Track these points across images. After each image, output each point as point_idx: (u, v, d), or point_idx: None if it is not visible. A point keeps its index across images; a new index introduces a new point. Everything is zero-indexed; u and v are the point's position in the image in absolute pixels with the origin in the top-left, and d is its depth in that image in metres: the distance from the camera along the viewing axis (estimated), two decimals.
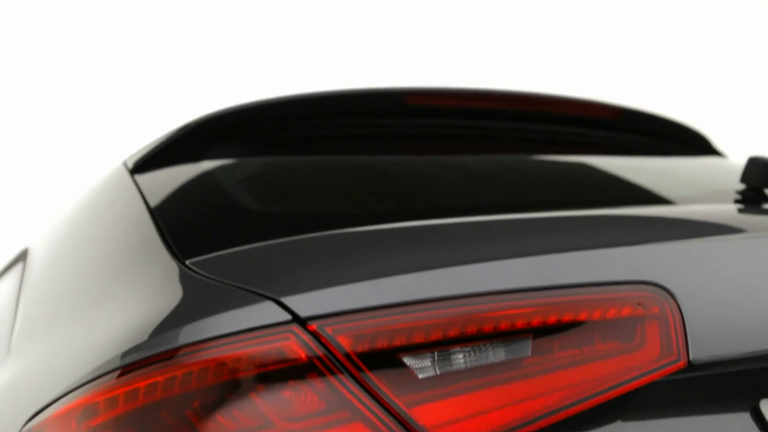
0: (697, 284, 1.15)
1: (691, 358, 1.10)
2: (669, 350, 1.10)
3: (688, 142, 2.22)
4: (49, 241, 1.82)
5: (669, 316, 1.11)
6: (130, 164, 1.69)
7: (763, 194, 1.50)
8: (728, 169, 1.91)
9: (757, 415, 1.13)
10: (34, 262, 1.82)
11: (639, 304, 1.11)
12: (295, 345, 1.02)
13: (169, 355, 1.03)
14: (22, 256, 2.00)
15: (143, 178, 1.60)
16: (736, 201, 1.51)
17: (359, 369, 1.01)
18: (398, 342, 1.03)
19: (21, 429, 1.17)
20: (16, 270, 1.97)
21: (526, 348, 1.06)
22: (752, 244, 1.25)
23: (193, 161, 1.67)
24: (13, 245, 2.39)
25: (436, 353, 1.04)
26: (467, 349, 1.05)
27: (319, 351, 1.02)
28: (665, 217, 1.41)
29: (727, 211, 1.43)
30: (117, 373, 1.05)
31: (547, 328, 1.07)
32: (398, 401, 1.01)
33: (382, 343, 1.03)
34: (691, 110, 4.16)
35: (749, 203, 1.49)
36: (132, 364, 1.04)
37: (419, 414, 1.01)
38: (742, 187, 1.52)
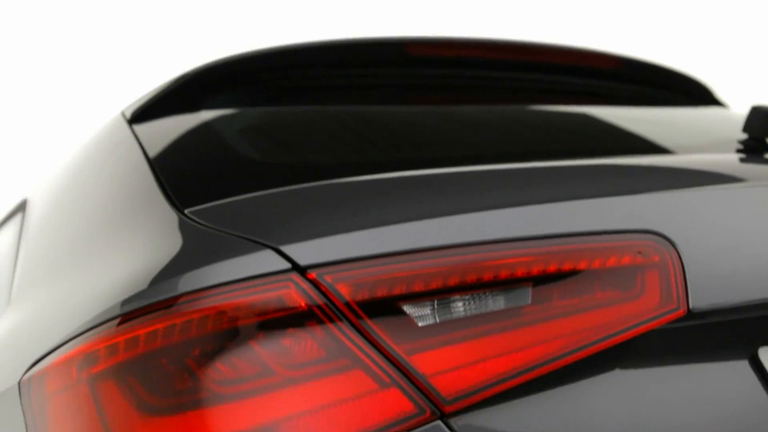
0: (698, 233, 1.14)
1: (690, 306, 1.10)
2: (669, 298, 1.10)
3: (689, 92, 2.20)
4: (48, 192, 1.82)
5: (669, 264, 1.11)
6: (128, 114, 1.67)
7: (765, 144, 1.49)
8: (730, 119, 1.90)
9: (756, 363, 1.13)
10: (34, 212, 1.82)
11: (639, 252, 1.11)
12: (295, 293, 1.02)
13: (169, 304, 1.03)
14: (21, 207, 1.99)
15: (141, 128, 1.59)
16: (738, 150, 1.50)
17: (359, 317, 1.02)
18: (398, 290, 1.03)
19: (21, 377, 1.18)
20: (16, 221, 1.97)
21: (526, 296, 1.06)
22: (753, 193, 1.24)
23: (192, 111, 1.66)
24: (12, 196, 2.39)
25: (435, 302, 1.04)
26: (467, 297, 1.05)
27: (318, 299, 1.02)
28: (666, 166, 1.41)
29: (728, 160, 1.42)
30: (117, 321, 1.05)
31: (547, 277, 1.07)
32: (398, 349, 1.01)
33: (381, 292, 1.03)
34: (693, 60, 4.13)
35: (751, 153, 1.48)
36: (132, 312, 1.04)
37: (419, 362, 1.01)
38: (744, 136, 1.51)
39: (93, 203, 1.51)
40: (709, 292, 1.12)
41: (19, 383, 1.18)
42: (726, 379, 1.11)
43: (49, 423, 1.09)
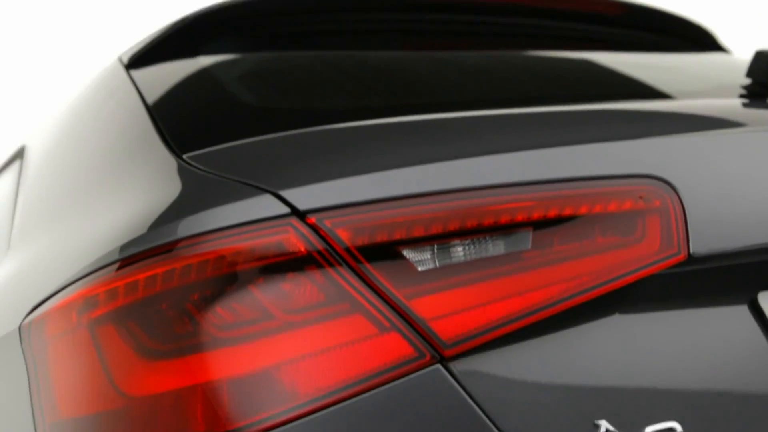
0: (700, 178, 1.14)
1: (691, 251, 1.10)
2: (669, 243, 1.10)
3: (693, 38, 2.18)
4: (46, 139, 1.81)
5: (670, 209, 1.11)
6: (126, 60, 1.66)
7: None
8: (733, 65, 1.88)
9: (755, 308, 1.14)
10: (32, 159, 1.81)
11: (640, 197, 1.10)
12: (294, 238, 1.01)
13: (168, 248, 1.02)
14: (19, 154, 1.99)
15: (139, 74, 1.57)
16: (741, 96, 1.48)
17: (358, 262, 1.01)
18: (398, 235, 1.03)
19: (22, 321, 1.18)
20: (14, 168, 1.96)
21: (526, 241, 1.06)
22: (756, 138, 1.24)
23: (190, 56, 1.65)
24: (10, 143, 2.38)
25: (435, 246, 1.04)
26: (467, 242, 1.05)
27: (318, 244, 1.01)
28: (668, 111, 1.40)
29: (731, 105, 1.41)
30: (116, 265, 1.05)
31: (547, 222, 1.07)
32: (398, 293, 1.01)
33: (381, 236, 1.03)
34: (695, 5, 4.09)
35: (754, 98, 1.47)
36: (131, 257, 1.04)
37: (418, 306, 1.01)
38: (747, 81, 1.50)
39: (91, 149, 1.51)
40: (709, 236, 1.11)
41: (19, 327, 1.18)
42: (725, 323, 1.12)
43: (50, 367, 1.09)
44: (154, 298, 1.01)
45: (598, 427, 1.02)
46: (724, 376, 1.09)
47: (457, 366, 1.01)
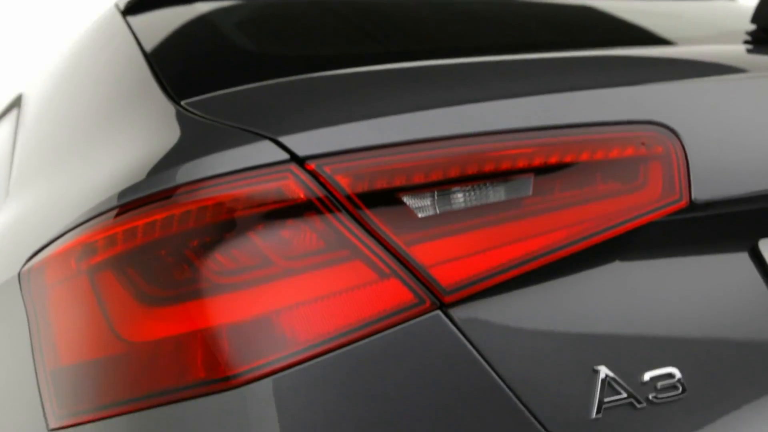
0: (702, 124, 1.13)
1: (692, 197, 1.10)
2: (671, 190, 1.09)
3: None
4: (43, 87, 1.80)
5: (672, 155, 1.10)
6: (122, 6, 1.64)
7: None
8: (738, 12, 1.86)
9: (756, 255, 1.14)
10: (29, 107, 1.80)
11: (642, 143, 1.09)
12: (293, 184, 1.01)
13: (167, 195, 1.02)
14: (17, 102, 1.98)
15: (136, 20, 1.56)
16: (745, 42, 1.47)
17: (358, 208, 1.01)
18: (397, 182, 1.02)
19: (21, 268, 1.18)
20: (11, 116, 1.95)
21: (527, 187, 1.05)
22: (759, 84, 1.22)
23: (186, 2, 1.63)
24: (7, 92, 2.36)
25: (435, 193, 1.03)
26: (467, 188, 1.04)
27: (317, 190, 1.01)
28: (671, 57, 1.38)
29: (735, 51, 1.40)
30: (115, 212, 1.04)
31: (548, 168, 1.06)
32: (397, 240, 1.01)
33: (381, 183, 1.02)
34: None
35: (758, 44, 1.45)
36: (130, 203, 1.03)
37: (418, 252, 1.01)
38: (752, 28, 1.48)
39: (89, 96, 1.49)
40: (711, 183, 1.11)
41: (18, 275, 1.18)
42: (726, 270, 1.12)
43: (50, 313, 1.09)
44: (153, 245, 1.01)
45: (597, 372, 1.02)
46: (723, 323, 1.09)
47: (457, 312, 1.01)
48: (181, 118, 1.14)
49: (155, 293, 1.00)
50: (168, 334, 0.99)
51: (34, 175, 1.44)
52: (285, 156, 1.02)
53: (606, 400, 1.02)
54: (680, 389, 1.04)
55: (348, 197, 1.01)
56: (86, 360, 1.04)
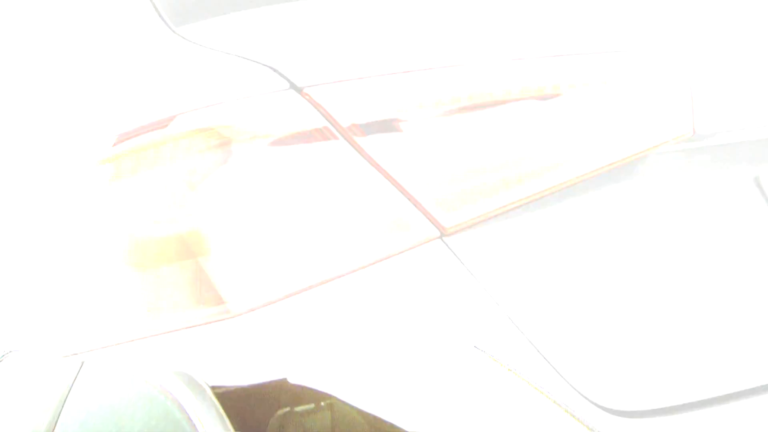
0: (707, 53, 1.11)
1: (697, 126, 1.09)
2: (676, 119, 1.08)
3: None
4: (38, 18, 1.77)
5: (678, 85, 1.08)
6: None
7: None
8: None
9: (759, 184, 1.14)
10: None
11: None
12: (293, 113, 1.00)
13: (165, 123, 1.01)
14: None
15: None
16: None
17: (357, 136, 1.00)
18: (397, 110, 1.01)
19: None
20: None
21: (530, 114, 1.04)
22: (765, 11, 1.20)
23: None
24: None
25: (435, 120, 1.02)
26: (467, 115, 1.03)
27: (316, 118, 1.00)
28: None
29: None
30: (114, 140, 1.03)
31: (552, 95, 1.05)
32: (396, 168, 1.00)
33: (380, 112, 1.01)
34: None
35: None
36: (128, 132, 1.03)
37: (418, 181, 1.00)
38: None
39: (84, 25, 1.47)
40: (715, 112, 1.10)
41: None
42: (730, 199, 1.11)
43: None
44: (151, 173, 1.00)
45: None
46: (727, 252, 1.09)
47: (458, 241, 1.00)
48: (177, 46, 1.13)
49: (153, 221, 1.00)
50: (167, 262, 0.99)
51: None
52: (284, 84, 1.01)
53: None
54: None
55: (347, 125, 1.00)
56: None
